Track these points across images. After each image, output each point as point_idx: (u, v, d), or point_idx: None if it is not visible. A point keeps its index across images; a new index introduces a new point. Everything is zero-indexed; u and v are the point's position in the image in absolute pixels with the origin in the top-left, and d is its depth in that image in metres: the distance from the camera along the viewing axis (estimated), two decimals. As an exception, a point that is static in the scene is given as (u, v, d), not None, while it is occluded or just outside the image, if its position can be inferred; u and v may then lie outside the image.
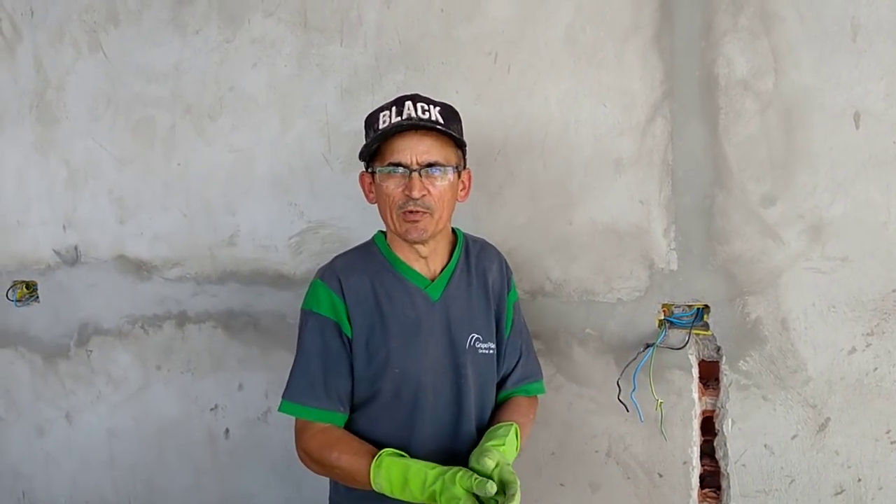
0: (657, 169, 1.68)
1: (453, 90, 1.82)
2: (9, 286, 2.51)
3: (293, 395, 1.41)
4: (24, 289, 2.50)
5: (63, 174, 2.38)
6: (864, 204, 1.53)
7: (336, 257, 1.50)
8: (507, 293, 1.54)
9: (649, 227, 1.70)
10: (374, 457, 1.30)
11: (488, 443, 1.33)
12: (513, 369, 1.54)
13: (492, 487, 1.18)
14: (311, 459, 1.38)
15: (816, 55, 1.54)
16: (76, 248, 2.39)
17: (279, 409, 1.43)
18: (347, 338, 1.40)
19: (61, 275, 2.42)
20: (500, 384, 1.53)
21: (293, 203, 2.07)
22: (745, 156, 1.60)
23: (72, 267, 2.40)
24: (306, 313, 1.43)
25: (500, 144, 1.80)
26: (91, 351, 2.40)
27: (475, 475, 1.20)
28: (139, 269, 2.30)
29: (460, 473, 1.22)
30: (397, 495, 1.27)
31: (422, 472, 1.25)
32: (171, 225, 2.24)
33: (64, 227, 2.40)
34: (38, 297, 2.48)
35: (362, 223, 1.96)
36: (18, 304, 2.50)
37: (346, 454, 1.33)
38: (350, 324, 1.40)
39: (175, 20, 2.17)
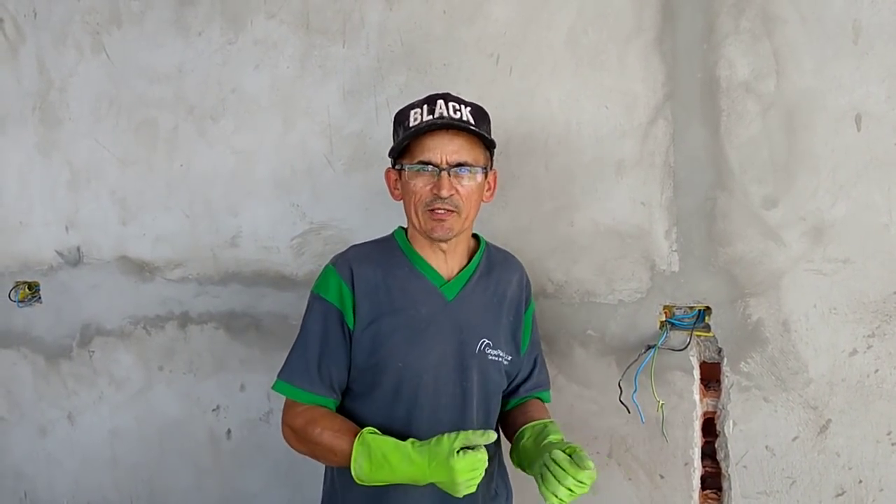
0: (659, 171, 1.69)
1: (455, 92, 1.81)
2: (11, 287, 2.51)
3: (288, 375, 1.43)
4: (27, 289, 2.50)
5: (66, 175, 2.39)
6: (866, 206, 1.53)
7: (352, 246, 1.51)
8: (526, 308, 1.55)
9: (651, 229, 1.70)
10: (356, 434, 1.31)
11: (551, 436, 1.36)
12: (526, 378, 1.57)
13: (492, 435, 1.24)
14: (294, 436, 1.40)
15: (818, 57, 1.54)
16: (78, 249, 2.39)
17: (273, 387, 1.44)
18: (349, 328, 1.40)
19: (64, 276, 2.43)
20: (512, 391, 1.56)
21: (295, 204, 2.08)
22: (746, 158, 1.61)
23: (74, 268, 2.41)
24: (314, 296, 1.44)
25: (502, 146, 1.79)
26: (93, 351, 2.40)
27: (460, 433, 1.25)
28: (141, 269, 2.30)
29: (446, 436, 1.26)
30: (374, 474, 1.27)
31: (402, 446, 1.28)
32: (173, 226, 2.24)
33: (66, 228, 2.40)
34: (40, 297, 2.49)
35: (364, 224, 1.96)
36: (21, 304, 2.51)
37: (329, 430, 1.34)
38: (354, 314, 1.40)
39: (178, 22, 2.18)
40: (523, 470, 1.40)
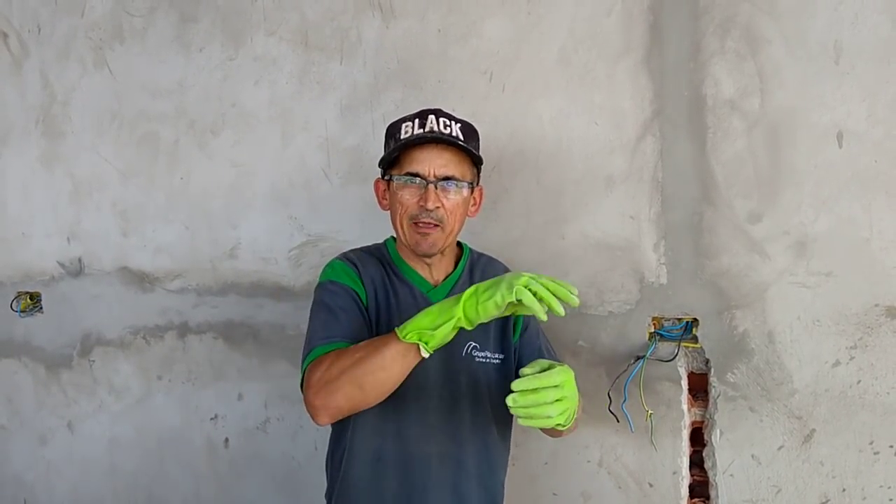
0: (647, 185, 1.73)
1: (449, 108, 1.84)
2: (13, 297, 2.54)
3: (309, 346, 1.35)
4: (28, 300, 2.53)
5: (68, 187, 2.42)
6: (848, 221, 1.57)
7: (351, 250, 1.56)
8: None
9: (639, 242, 1.75)
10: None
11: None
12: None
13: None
14: (320, 385, 1.25)
15: (801, 77, 1.59)
16: (80, 260, 2.43)
17: (305, 363, 1.32)
18: (363, 304, 1.42)
19: (65, 286, 2.46)
20: None
21: (293, 216, 2.12)
22: (732, 173, 1.65)
23: (75, 278, 2.44)
24: (324, 283, 1.44)
25: (494, 161, 1.85)
26: (93, 361, 2.43)
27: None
28: (142, 280, 2.34)
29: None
30: (435, 320, 1.18)
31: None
32: (173, 237, 2.28)
33: (68, 240, 2.44)
34: (41, 307, 2.52)
35: (361, 236, 2.00)
36: (22, 314, 2.54)
37: (366, 344, 1.26)
38: (366, 297, 1.43)
39: (179, 38, 2.22)
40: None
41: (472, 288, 1.19)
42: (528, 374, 1.17)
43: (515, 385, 1.15)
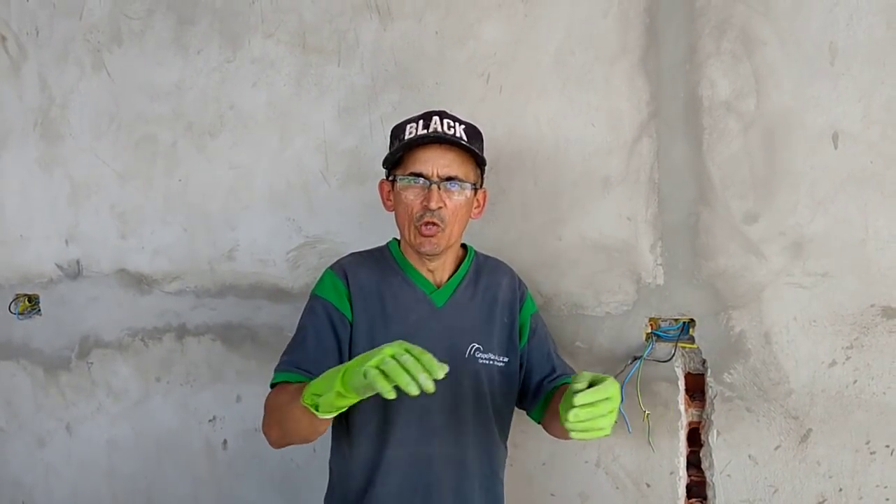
0: (644, 187, 1.74)
1: (447, 110, 1.87)
2: (11, 299, 2.55)
3: (283, 366, 1.40)
4: (27, 302, 2.54)
5: (66, 189, 2.43)
6: (843, 221, 1.58)
7: (350, 254, 1.57)
8: (521, 307, 1.57)
9: (636, 243, 1.75)
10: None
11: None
12: (550, 373, 1.54)
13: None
14: (265, 415, 1.35)
15: (796, 78, 1.60)
16: (78, 262, 2.43)
17: (271, 383, 1.39)
18: (347, 319, 1.44)
19: (63, 288, 2.47)
20: (537, 389, 1.53)
21: (291, 218, 2.12)
22: (728, 174, 1.66)
23: (73, 280, 2.45)
24: (312, 297, 1.49)
25: (492, 162, 1.84)
26: (92, 363, 2.43)
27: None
28: (140, 282, 2.34)
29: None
30: (323, 386, 1.15)
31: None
32: (171, 239, 2.29)
33: (66, 242, 2.44)
34: (40, 310, 2.52)
35: (358, 238, 2.00)
36: (21, 317, 2.54)
37: (293, 389, 1.28)
38: (351, 307, 1.45)
39: (177, 40, 2.23)
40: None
41: (360, 357, 1.11)
42: (581, 389, 1.13)
43: (578, 399, 1.11)
